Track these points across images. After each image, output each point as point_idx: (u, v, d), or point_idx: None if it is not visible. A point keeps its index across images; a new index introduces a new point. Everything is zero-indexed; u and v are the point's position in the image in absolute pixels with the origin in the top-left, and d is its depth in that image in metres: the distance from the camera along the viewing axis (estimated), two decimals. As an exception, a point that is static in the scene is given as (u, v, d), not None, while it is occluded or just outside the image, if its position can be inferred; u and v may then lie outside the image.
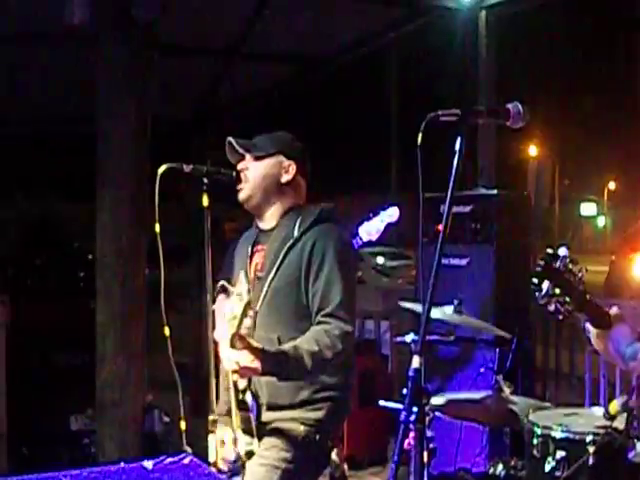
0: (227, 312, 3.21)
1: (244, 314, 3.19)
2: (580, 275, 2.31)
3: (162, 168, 3.43)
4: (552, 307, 2.30)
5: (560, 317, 2.32)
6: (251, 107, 10.62)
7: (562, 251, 2.30)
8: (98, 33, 5.58)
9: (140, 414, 5.74)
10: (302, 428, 3.46)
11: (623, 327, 2.33)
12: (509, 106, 2.50)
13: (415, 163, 2.47)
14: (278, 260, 3.51)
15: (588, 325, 2.38)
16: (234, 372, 3.25)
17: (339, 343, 3.36)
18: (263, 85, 9.57)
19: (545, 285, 2.26)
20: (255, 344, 3.23)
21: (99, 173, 5.64)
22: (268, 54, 8.41)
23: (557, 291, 2.27)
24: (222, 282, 3.50)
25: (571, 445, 3.41)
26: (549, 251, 2.30)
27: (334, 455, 3.79)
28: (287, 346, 3.33)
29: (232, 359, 3.17)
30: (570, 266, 2.29)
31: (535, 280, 2.27)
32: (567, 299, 2.28)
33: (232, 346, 3.16)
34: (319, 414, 3.49)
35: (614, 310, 2.39)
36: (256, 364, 3.18)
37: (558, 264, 2.29)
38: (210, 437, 3.40)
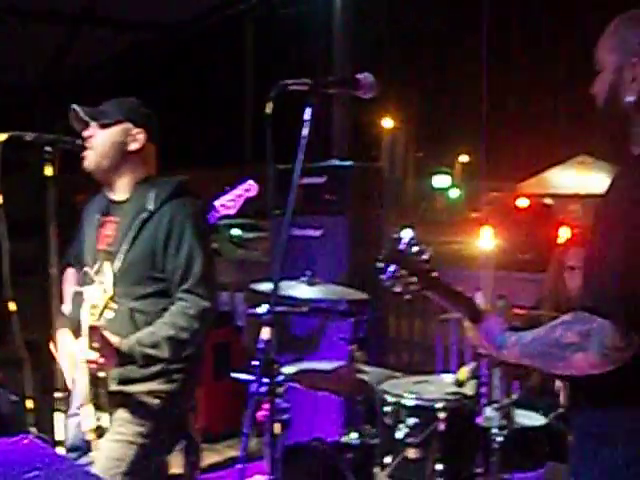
0: (88, 298, 3.14)
1: (106, 306, 3.14)
2: (426, 256, 2.32)
3: (2, 137, 3.29)
4: (399, 288, 2.31)
5: (408, 297, 2.34)
6: (103, 74, 10.37)
7: (407, 233, 2.31)
8: None
9: (-15, 394, 5.55)
10: (156, 401, 3.41)
11: (494, 318, 2.36)
12: (359, 76, 2.50)
13: (265, 132, 2.43)
14: (132, 234, 3.43)
15: (465, 322, 2.40)
16: (88, 362, 3.18)
17: (196, 322, 3.33)
18: (115, 52, 9.35)
19: (390, 268, 2.27)
20: (112, 339, 3.18)
21: None
22: (120, 20, 8.21)
23: (403, 272, 2.29)
24: (74, 256, 3.41)
25: (422, 412, 3.47)
26: (393, 235, 2.31)
27: (188, 427, 3.76)
28: (144, 333, 3.29)
29: (87, 354, 3.13)
30: (416, 248, 2.30)
31: (380, 264, 2.28)
32: (413, 279, 2.30)
33: (89, 338, 3.12)
34: (173, 386, 3.45)
35: (478, 297, 2.41)
36: (111, 360, 3.16)
37: (403, 246, 2.30)
38: (56, 415, 3.31)
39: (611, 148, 2.31)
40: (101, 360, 3.15)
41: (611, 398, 2.11)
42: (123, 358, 3.22)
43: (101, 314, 3.14)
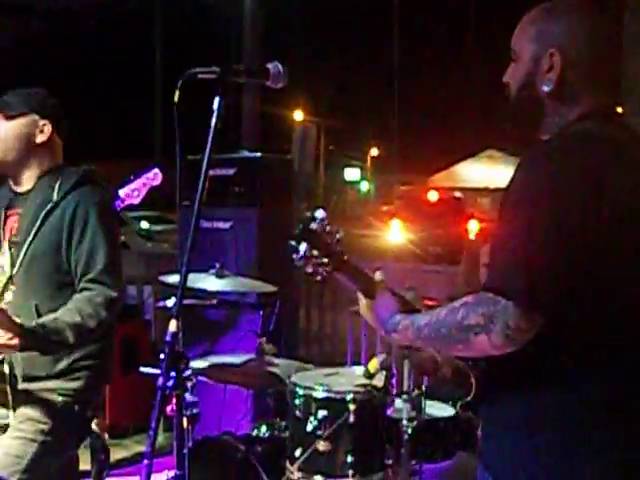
0: None
1: (5, 288, 3.07)
2: (338, 236, 2.32)
3: None
4: (310, 269, 2.30)
5: (319, 278, 2.33)
6: (4, 62, 10.15)
7: (319, 213, 2.30)
8: None
9: None
10: (60, 399, 3.35)
11: (387, 297, 2.35)
12: (269, 66, 2.47)
13: (177, 123, 2.40)
14: (36, 224, 3.35)
15: (359, 295, 2.40)
16: None
17: (103, 311, 3.26)
18: (17, 39, 9.15)
19: (302, 247, 2.26)
20: (15, 320, 3.09)
21: None
22: (23, 6, 8.02)
23: (315, 252, 2.28)
24: None
25: (332, 404, 3.47)
26: (306, 214, 2.30)
27: (94, 425, 3.70)
28: (48, 319, 3.20)
29: None
30: (328, 228, 2.30)
31: (292, 242, 2.26)
32: (325, 260, 2.29)
33: None
34: (78, 384, 3.38)
35: (377, 275, 2.42)
36: (15, 341, 3.06)
37: (315, 226, 2.29)
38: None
39: (522, 137, 2.33)
40: (10, 342, 3.06)
41: (516, 387, 2.13)
42: (27, 341, 3.11)
43: (1, 295, 3.06)
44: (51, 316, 3.22)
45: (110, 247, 3.36)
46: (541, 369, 2.07)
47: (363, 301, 2.40)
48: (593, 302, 2.03)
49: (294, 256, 2.27)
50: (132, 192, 4.59)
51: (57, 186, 3.40)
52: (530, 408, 2.11)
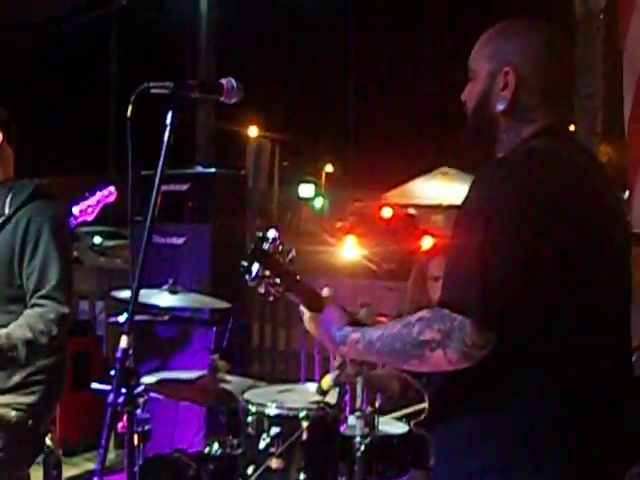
0: None
1: None
2: (290, 256, 2.31)
3: None
4: (262, 289, 2.29)
5: (271, 298, 2.32)
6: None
7: (271, 233, 2.30)
8: None
9: None
10: (13, 413, 3.32)
11: (334, 310, 2.35)
12: (223, 81, 2.46)
13: (130, 138, 2.38)
14: None
15: (302, 308, 2.39)
16: None
17: (54, 327, 3.24)
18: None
19: (255, 267, 2.24)
20: None
21: None
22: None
23: (267, 273, 2.27)
24: None
25: (285, 421, 3.45)
26: (259, 234, 2.29)
27: (48, 440, 3.66)
28: None
29: None
30: (280, 248, 2.29)
31: (245, 263, 2.25)
32: (277, 280, 2.28)
33: None
34: (32, 398, 3.36)
35: (325, 292, 2.41)
36: None
37: (267, 246, 2.28)
38: None
39: (476, 155, 2.35)
40: None
41: (466, 406, 2.13)
42: None
43: None
44: (2, 332, 3.18)
45: (62, 263, 3.33)
46: (494, 387, 2.08)
47: (307, 314, 2.39)
48: (547, 320, 2.04)
49: (247, 277, 2.26)
50: (86, 209, 4.57)
51: (9, 199, 3.37)
52: (480, 427, 2.11)
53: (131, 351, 2.21)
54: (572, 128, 2.39)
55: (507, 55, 2.25)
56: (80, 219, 4.59)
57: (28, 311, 3.27)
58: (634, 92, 4.83)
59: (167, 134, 2.30)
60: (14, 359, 3.19)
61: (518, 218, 2.00)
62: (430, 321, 2.04)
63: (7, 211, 3.35)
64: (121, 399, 2.22)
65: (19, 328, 3.20)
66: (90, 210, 4.60)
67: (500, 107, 2.24)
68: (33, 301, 3.29)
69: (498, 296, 1.97)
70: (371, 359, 2.26)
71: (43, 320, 3.23)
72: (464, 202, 2.11)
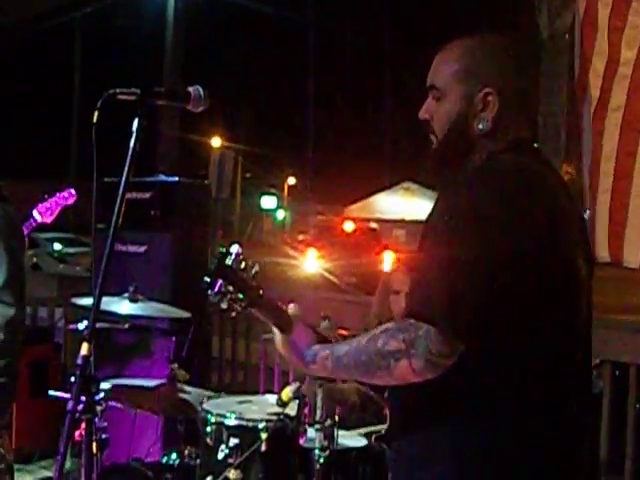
0: None
1: None
2: (253, 271, 2.29)
3: None
4: (225, 305, 2.26)
5: (234, 314, 2.30)
6: None
7: (234, 248, 2.27)
8: None
9: None
10: (-36, 418, 3.25)
11: (304, 331, 2.32)
12: (190, 89, 2.45)
13: (92, 144, 2.36)
14: None
15: (274, 329, 2.36)
16: None
17: (1, 333, 3.20)
18: None
19: (217, 283, 2.22)
20: None
21: None
22: None
23: (230, 288, 2.24)
24: None
25: (244, 432, 3.44)
26: (221, 249, 2.27)
27: (0, 447, 3.61)
28: None
29: None
30: (243, 263, 2.27)
31: (207, 279, 2.23)
32: (240, 295, 2.25)
33: None
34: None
35: (291, 308, 2.38)
36: None
37: (230, 262, 2.25)
38: None
39: (445, 174, 2.30)
40: None
41: (425, 420, 2.13)
42: None
43: None
44: None
45: (12, 264, 3.30)
46: (456, 401, 2.08)
47: (278, 336, 2.36)
48: (513, 333, 2.04)
49: (209, 292, 2.23)
50: (46, 211, 4.53)
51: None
52: (437, 441, 2.11)
53: (92, 358, 2.19)
54: (536, 146, 2.40)
55: (482, 75, 2.22)
56: (39, 221, 4.56)
57: None
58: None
59: (133, 141, 2.28)
60: None
61: (485, 229, 2.00)
62: (394, 331, 2.04)
63: None
64: (80, 407, 2.19)
65: None
66: (49, 212, 4.57)
67: (481, 127, 2.22)
68: None
69: (464, 305, 1.96)
70: (341, 375, 2.24)
71: None
72: (430, 214, 2.12)
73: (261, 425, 3.42)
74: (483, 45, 2.29)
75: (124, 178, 2.25)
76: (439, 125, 2.28)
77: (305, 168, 44.70)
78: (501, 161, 2.18)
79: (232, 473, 3.38)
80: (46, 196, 4.56)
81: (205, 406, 3.62)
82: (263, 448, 3.39)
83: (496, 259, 1.99)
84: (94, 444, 2.41)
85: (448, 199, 2.12)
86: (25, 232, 4.22)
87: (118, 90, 2.32)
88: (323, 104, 42.44)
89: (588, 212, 4.74)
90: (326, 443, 3.37)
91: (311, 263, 21.94)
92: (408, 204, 28.50)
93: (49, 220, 4.57)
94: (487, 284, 1.98)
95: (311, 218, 33.75)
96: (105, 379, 4.15)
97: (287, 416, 3.47)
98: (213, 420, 3.49)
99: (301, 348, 2.28)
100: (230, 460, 3.41)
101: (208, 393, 4.04)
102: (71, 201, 4.57)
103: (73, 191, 4.55)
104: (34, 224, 4.52)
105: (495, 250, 1.99)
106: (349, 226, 25.51)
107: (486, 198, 2.04)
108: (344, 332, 3.67)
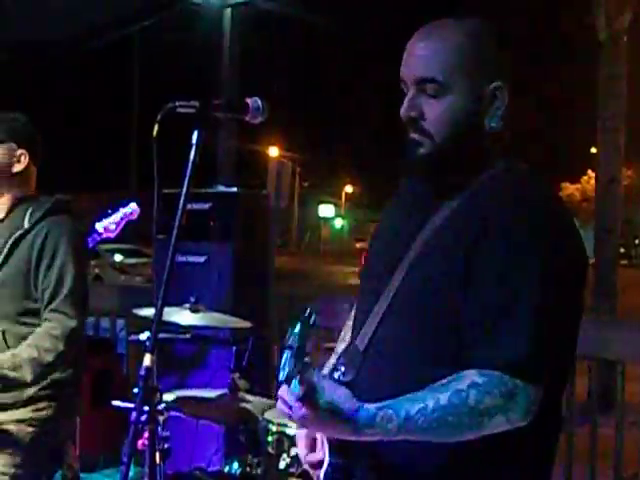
0: None
1: None
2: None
3: None
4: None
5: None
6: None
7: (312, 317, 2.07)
8: None
9: None
10: (30, 429, 3.32)
11: (333, 384, 2.01)
12: (248, 101, 2.45)
13: (152, 157, 2.39)
14: (5, 252, 3.34)
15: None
16: None
17: (60, 344, 3.25)
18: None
19: (297, 388, 1.96)
20: None
21: None
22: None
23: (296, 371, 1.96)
24: None
25: (305, 442, 3.43)
26: (304, 317, 2.00)
27: (66, 456, 3.66)
28: (5, 356, 3.20)
29: None
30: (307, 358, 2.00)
31: (292, 362, 2.01)
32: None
33: None
34: (47, 413, 3.36)
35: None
36: None
37: (309, 345, 2.00)
38: None
39: (443, 181, 2.11)
40: None
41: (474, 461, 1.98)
42: None
43: None
44: (9, 352, 3.22)
45: (76, 277, 3.36)
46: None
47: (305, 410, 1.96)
48: (561, 376, 2.04)
49: (281, 373, 2.02)
50: (109, 226, 4.58)
51: (28, 214, 3.40)
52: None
53: (154, 369, 2.21)
54: None
55: (492, 71, 2.02)
56: (103, 236, 4.61)
57: (38, 329, 3.30)
58: None
59: (193, 153, 2.30)
60: (21, 378, 3.21)
61: (564, 290, 1.96)
62: (487, 386, 1.88)
63: (26, 225, 3.38)
64: (144, 417, 2.22)
65: (26, 348, 3.24)
66: (113, 227, 4.62)
67: (494, 125, 2.03)
68: (45, 315, 3.32)
69: (551, 354, 1.93)
70: (405, 437, 1.91)
71: (49, 337, 3.26)
72: (505, 237, 1.94)
73: (321, 434, 3.41)
74: (485, 36, 2.06)
75: (184, 189, 2.27)
76: (437, 125, 2.03)
77: (362, 176, 44.70)
78: (530, 185, 2.06)
79: (294, 482, 3.38)
80: (109, 211, 4.61)
81: (266, 415, 3.63)
82: (324, 457, 3.38)
83: (576, 320, 2.00)
84: (157, 454, 2.44)
85: (519, 231, 1.94)
86: (90, 246, 4.29)
87: (178, 103, 2.33)
88: (380, 111, 42.39)
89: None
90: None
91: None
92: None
93: (113, 235, 4.63)
94: (572, 344, 2.01)
95: (369, 226, 33.70)
96: (167, 390, 4.19)
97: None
98: (274, 429, 3.50)
99: (348, 407, 1.92)
100: (292, 469, 3.41)
101: (269, 402, 4.05)
102: (134, 216, 4.63)
103: (136, 206, 4.60)
104: (98, 238, 4.58)
105: (574, 311, 1.99)
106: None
107: (552, 255, 1.93)
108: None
